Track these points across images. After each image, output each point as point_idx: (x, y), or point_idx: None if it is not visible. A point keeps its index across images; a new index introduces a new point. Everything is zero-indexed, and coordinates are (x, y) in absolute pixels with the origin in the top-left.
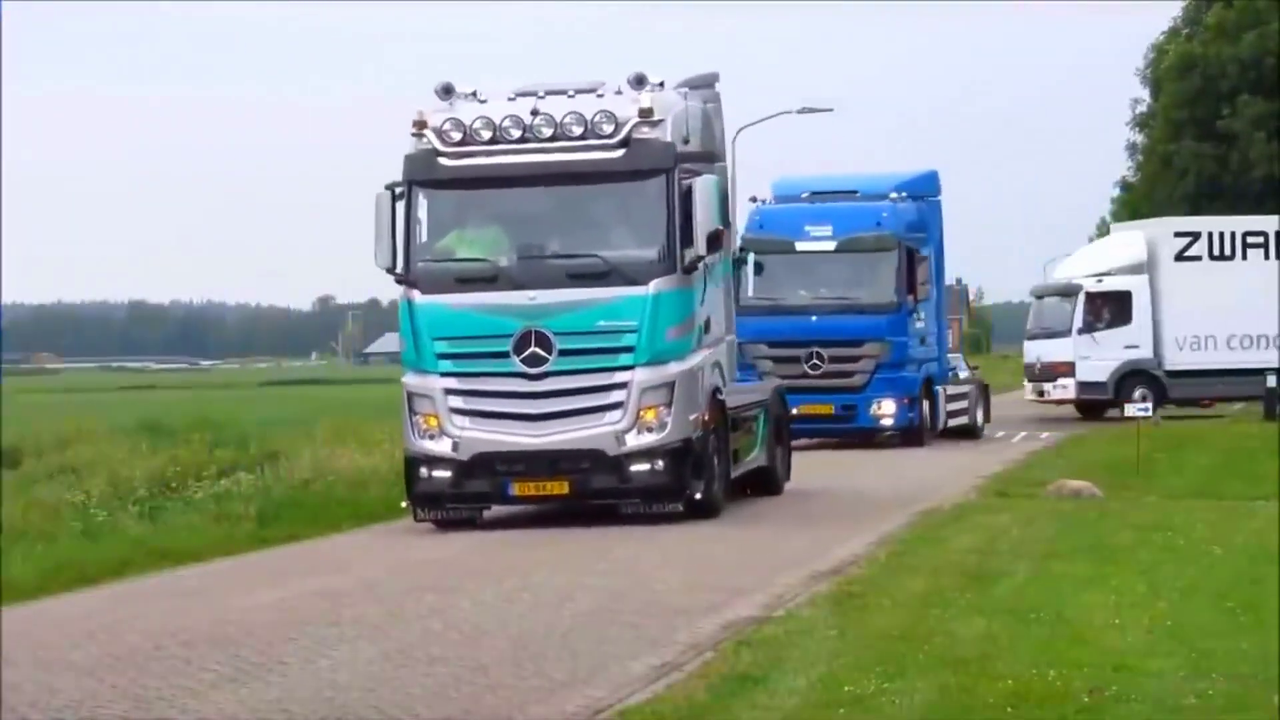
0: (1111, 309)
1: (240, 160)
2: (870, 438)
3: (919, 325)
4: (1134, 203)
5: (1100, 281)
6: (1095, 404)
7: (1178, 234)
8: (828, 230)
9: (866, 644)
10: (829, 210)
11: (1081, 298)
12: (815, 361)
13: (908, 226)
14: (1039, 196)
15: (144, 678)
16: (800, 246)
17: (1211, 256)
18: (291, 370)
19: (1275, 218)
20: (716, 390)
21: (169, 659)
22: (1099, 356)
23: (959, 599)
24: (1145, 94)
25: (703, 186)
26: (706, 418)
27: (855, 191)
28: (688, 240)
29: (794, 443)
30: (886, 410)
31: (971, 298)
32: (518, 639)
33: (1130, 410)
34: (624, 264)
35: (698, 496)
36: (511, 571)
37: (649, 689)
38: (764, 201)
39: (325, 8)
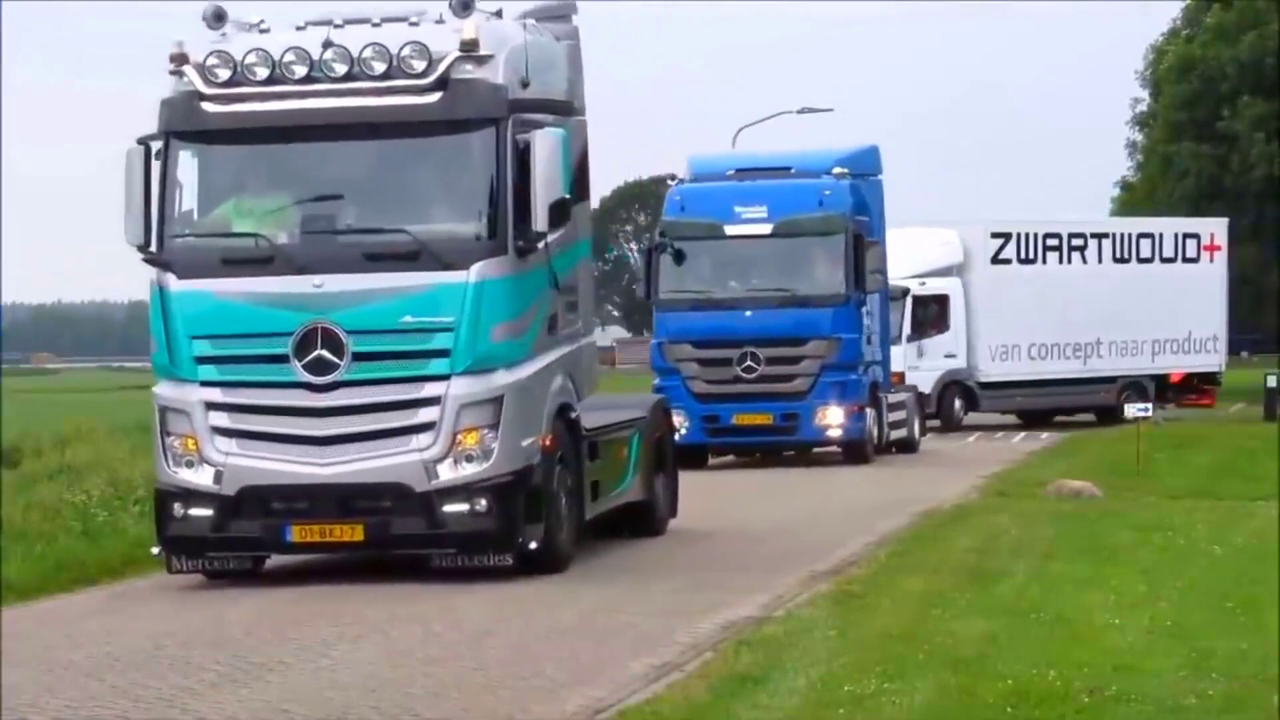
0: (933, 314)
1: None
2: (814, 451)
3: (867, 321)
4: (1134, 203)
5: (924, 284)
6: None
7: (993, 235)
8: (762, 211)
9: (866, 644)
10: (763, 189)
11: (909, 302)
12: (750, 364)
13: (853, 207)
14: (1039, 196)
15: (144, 678)
16: (730, 230)
17: (1020, 259)
18: None
19: (1092, 218)
20: (566, 407)
21: (169, 659)
22: (926, 366)
23: (959, 599)
24: (1145, 95)
25: (545, 143)
26: (549, 442)
27: (789, 168)
28: (524, 213)
29: (723, 459)
30: (834, 419)
31: None
32: (518, 639)
33: (1130, 410)
34: (438, 242)
35: (533, 546)
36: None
37: (649, 689)
38: (682, 180)
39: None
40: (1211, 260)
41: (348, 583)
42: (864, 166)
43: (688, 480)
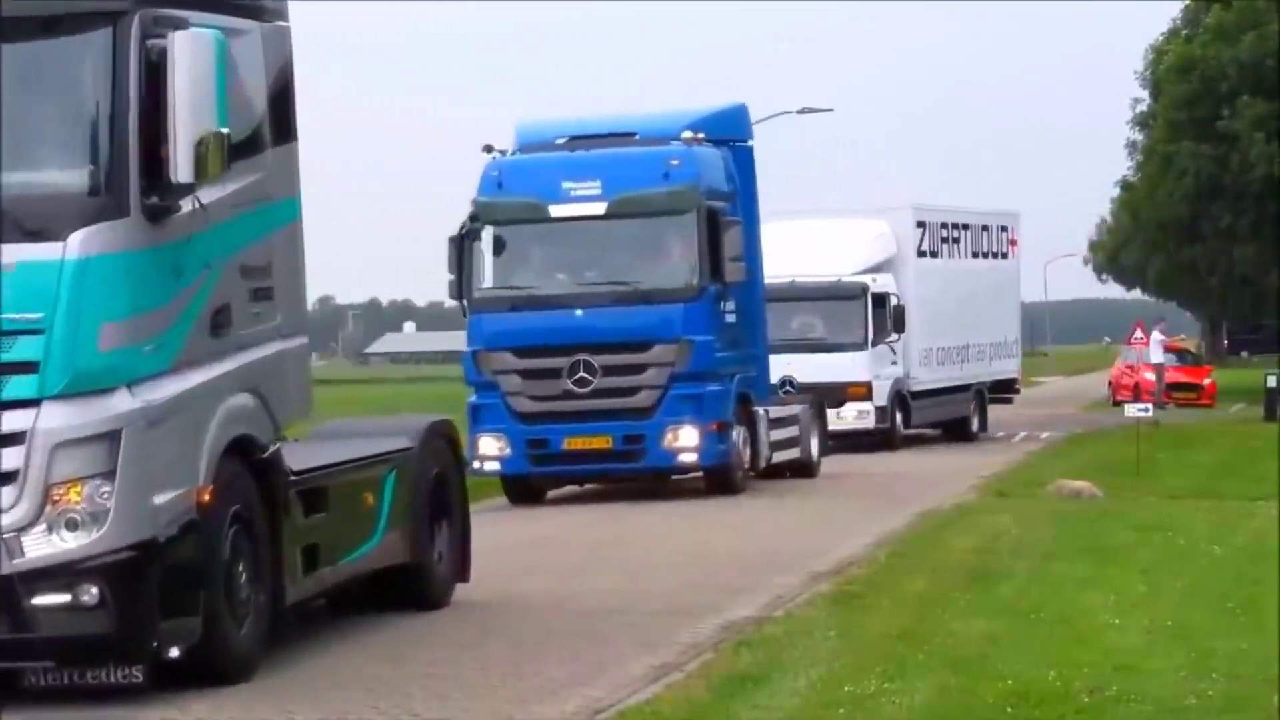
0: (885, 315)
1: None
2: (666, 479)
3: (730, 319)
4: (1134, 203)
5: (874, 280)
6: (880, 434)
7: (917, 224)
8: (595, 186)
9: (866, 644)
10: (597, 160)
11: (869, 301)
12: (583, 375)
13: (711, 180)
14: (1039, 197)
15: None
16: (557, 211)
17: (929, 252)
18: None
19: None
20: (246, 441)
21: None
22: (885, 374)
23: (959, 599)
24: (1145, 95)
25: (189, 50)
26: (207, 496)
27: (633, 134)
28: (152, 154)
29: (561, 489)
30: (687, 441)
31: None
32: (517, 639)
33: (1130, 410)
34: (20, 200)
35: (175, 653)
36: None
37: (649, 689)
38: (503, 152)
39: (305, 7)
40: (1009, 257)
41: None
42: (727, 130)
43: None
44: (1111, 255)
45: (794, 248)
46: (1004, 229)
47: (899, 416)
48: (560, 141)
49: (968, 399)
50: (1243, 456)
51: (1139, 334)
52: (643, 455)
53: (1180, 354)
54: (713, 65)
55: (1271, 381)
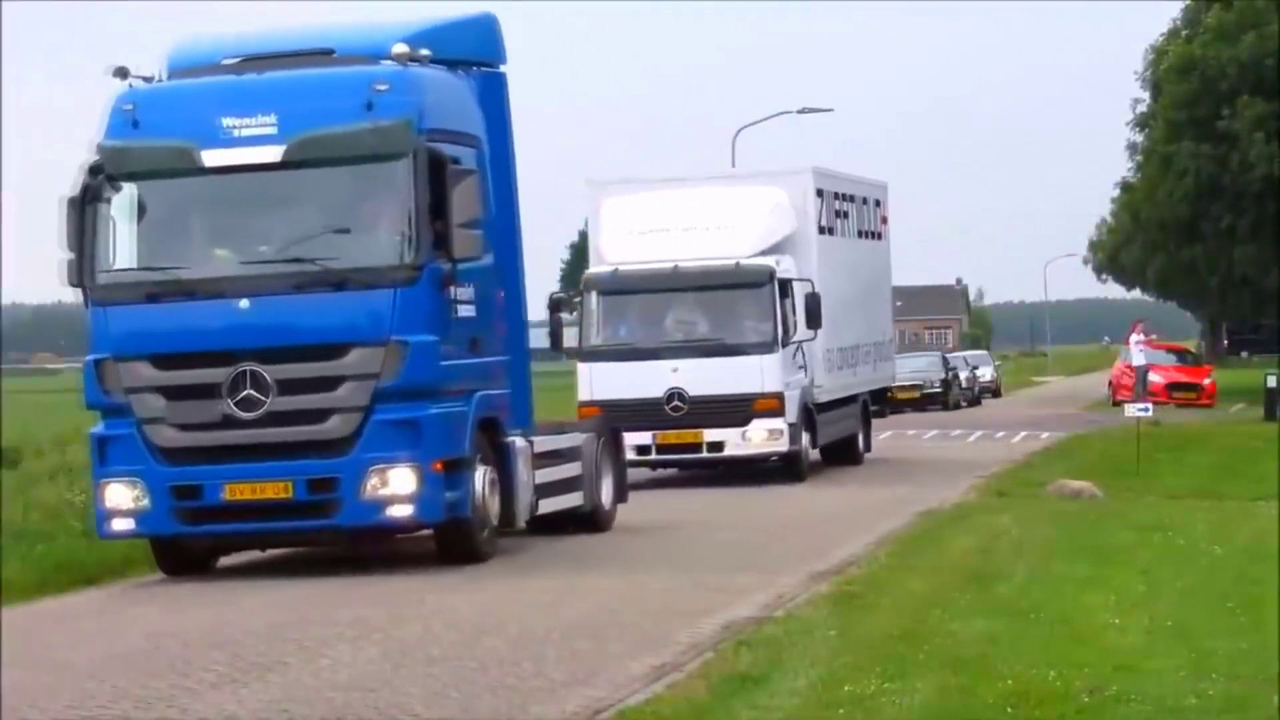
0: (795, 307)
1: None
2: (374, 543)
3: (465, 311)
4: (1134, 203)
5: (779, 263)
6: (786, 461)
7: (819, 192)
8: (269, 123)
9: (866, 644)
10: (272, 87)
11: (776, 290)
12: (250, 393)
13: (436, 114)
14: (1039, 197)
15: (144, 678)
16: (213, 159)
17: (829, 230)
18: None
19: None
20: None
21: (169, 659)
22: (794, 383)
23: (959, 599)
24: (1145, 95)
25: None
26: None
27: (329, 51)
28: None
29: (257, 554)
30: (400, 488)
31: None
32: (517, 639)
33: (1130, 410)
34: None
35: None
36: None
37: (649, 689)
38: (146, 79)
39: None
40: (880, 238)
41: (348, 582)
42: (467, 48)
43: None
44: (1111, 255)
45: (674, 224)
46: (877, 203)
47: (806, 438)
48: (229, 62)
49: (855, 413)
50: (1243, 456)
51: (1135, 334)
52: (335, 508)
53: (1180, 354)
54: (713, 65)
55: (1271, 381)
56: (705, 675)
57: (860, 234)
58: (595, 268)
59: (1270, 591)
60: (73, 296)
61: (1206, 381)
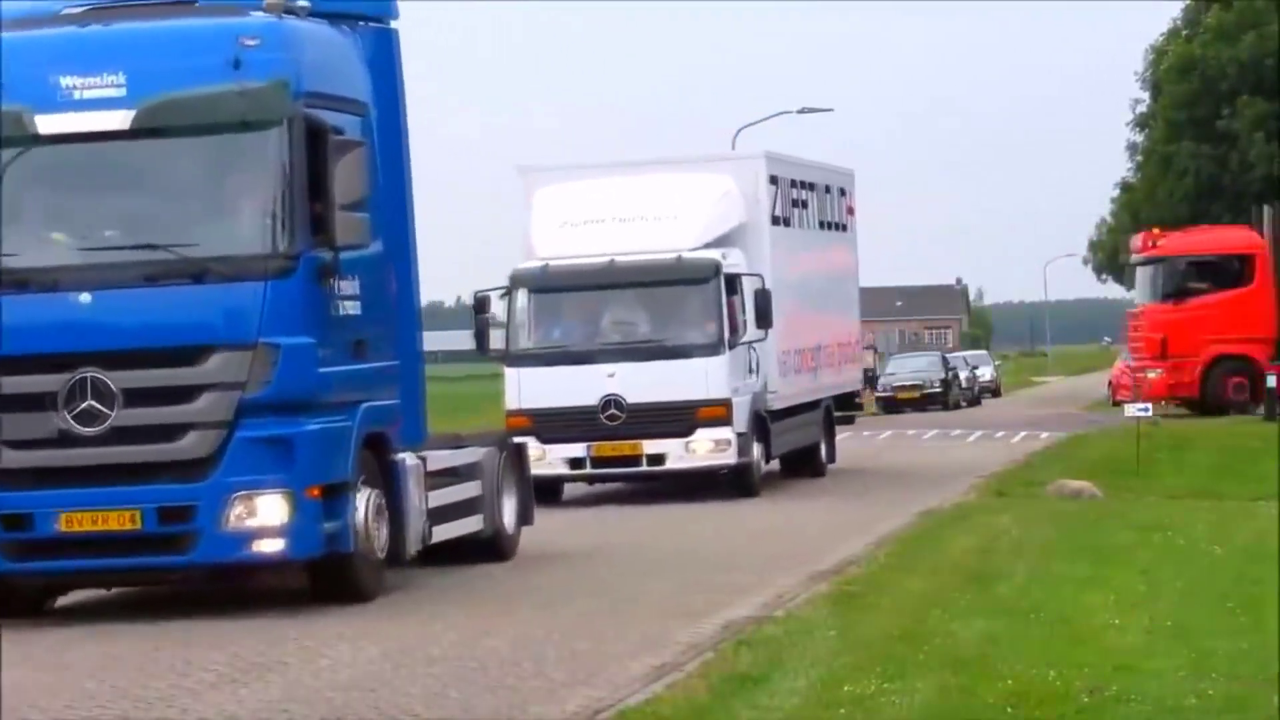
0: (744, 304)
1: None
2: (235, 581)
3: (348, 310)
4: (1134, 203)
5: (726, 257)
6: (734, 474)
7: (772, 179)
8: (116, 85)
9: (866, 644)
10: (121, 40)
11: (723, 285)
12: (91, 405)
13: (314, 75)
14: (1039, 197)
15: (144, 678)
16: (49, 125)
17: (784, 220)
18: None
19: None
20: None
21: (169, 659)
22: (744, 388)
23: (959, 599)
24: (1145, 95)
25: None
26: None
27: (190, 0)
28: None
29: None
30: (269, 518)
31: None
32: (518, 639)
33: (1130, 410)
34: None
35: None
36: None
37: (649, 689)
38: None
39: None
40: (846, 230)
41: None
42: (349, 0)
43: None
44: (1111, 255)
45: (612, 214)
46: (842, 192)
47: (758, 449)
48: (68, 12)
49: (817, 420)
50: (1243, 456)
51: None
52: (191, 542)
53: None
54: (711, 65)
55: (1271, 381)
56: (705, 675)
57: (822, 225)
58: (525, 263)
59: (1270, 591)
60: None
61: None
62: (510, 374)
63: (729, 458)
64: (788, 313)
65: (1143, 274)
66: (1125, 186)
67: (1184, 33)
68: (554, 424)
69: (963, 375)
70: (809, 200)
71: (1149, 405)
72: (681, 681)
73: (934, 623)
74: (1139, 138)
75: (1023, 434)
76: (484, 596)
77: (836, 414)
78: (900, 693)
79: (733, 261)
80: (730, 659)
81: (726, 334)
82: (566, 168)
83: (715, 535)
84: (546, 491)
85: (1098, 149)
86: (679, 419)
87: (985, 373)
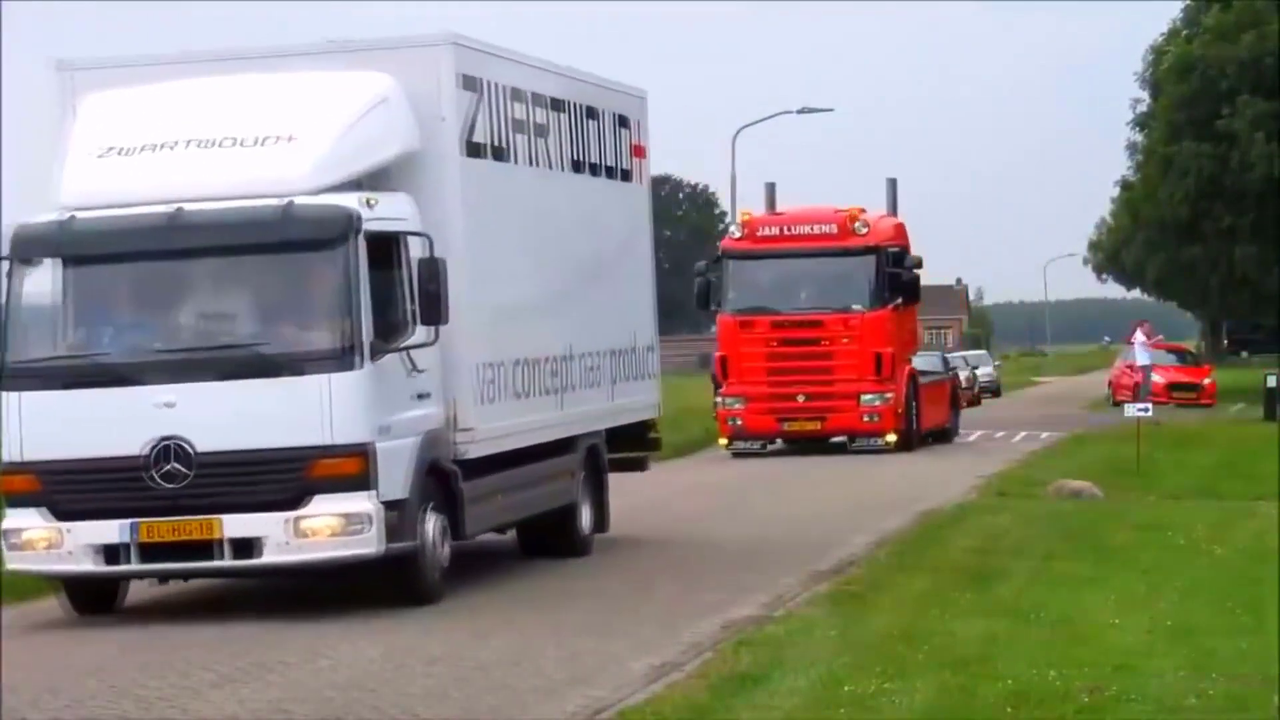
0: (399, 285)
1: None
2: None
3: None
4: (1134, 203)
5: (372, 204)
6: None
7: (466, 83)
8: None
9: (866, 644)
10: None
11: (359, 251)
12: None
13: None
14: (1039, 197)
15: (144, 678)
16: None
17: (495, 150)
18: None
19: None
20: None
21: (169, 659)
22: (400, 424)
23: (959, 599)
24: (1145, 95)
25: None
26: None
27: None
28: None
29: None
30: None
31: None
32: (518, 639)
33: (1130, 410)
34: None
35: None
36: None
37: (649, 689)
38: None
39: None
40: (629, 179)
41: (348, 584)
42: None
43: None
44: (1111, 255)
45: (184, 135)
46: (622, 122)
47: (437, 526)
48: None
49: (570, 469)
50: (1243, 456)
51: (1140, 335)
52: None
53: (1180, 354)
54: (711, 65)
55: (1271, 381)
56: (705, 675)
57: (576, 166)
58: (40, 215)
59: (1270, 591)
60: None
61: (1206, 381)
62: (5, 402)
63: (368, 544)
64: (497, 299)
65: None
66: (1125, 186)
67: (1184, 33)
68: (73, 487)
69: (963, 375)
70: (550, 124)
71: (1149, 405)
72: (681, 681)
73: (934, 622)
74: (1139, 138)
75: (1023, 434)
76: (484, 597)
77: (615, 457)
78: (900, 692)
79: (386, 212)
80: (730, 659)
81: (365, 335)
82: (125, 66)
83: (719, 530)
84: (85, 600)
85: (1098, 149)
86: (280, 480)
87: (985, 373)
